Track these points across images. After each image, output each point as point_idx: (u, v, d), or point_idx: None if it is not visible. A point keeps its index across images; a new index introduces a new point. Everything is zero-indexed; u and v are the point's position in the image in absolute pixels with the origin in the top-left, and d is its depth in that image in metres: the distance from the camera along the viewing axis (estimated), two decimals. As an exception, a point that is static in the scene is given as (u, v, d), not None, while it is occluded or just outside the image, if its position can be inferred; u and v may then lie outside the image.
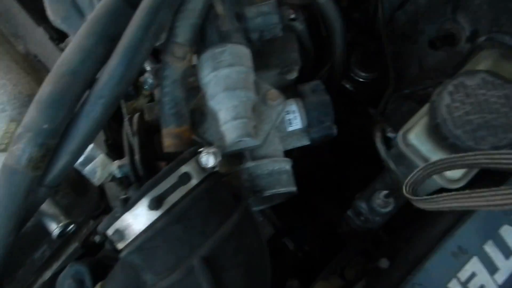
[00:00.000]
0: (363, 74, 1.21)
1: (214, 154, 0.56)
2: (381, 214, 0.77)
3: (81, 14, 0.76)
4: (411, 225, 0.83)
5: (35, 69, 0.89)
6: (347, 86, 1.26)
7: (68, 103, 0.54)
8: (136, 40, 0.54)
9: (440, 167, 0.56)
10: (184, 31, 0.57)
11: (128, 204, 0.52)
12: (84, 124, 0.55)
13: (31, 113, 0.54)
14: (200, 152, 0.56)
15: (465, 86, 0.60)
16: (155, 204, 0.51)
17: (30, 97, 0.83)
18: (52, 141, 0.54)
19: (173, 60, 0.58)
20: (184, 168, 0.55)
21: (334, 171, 1.31)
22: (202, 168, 0.56)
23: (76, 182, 0.81)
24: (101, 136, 0.84)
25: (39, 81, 0.88)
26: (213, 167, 0.56)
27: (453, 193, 0.52)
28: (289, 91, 0.74)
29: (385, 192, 0.76)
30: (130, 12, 0.56)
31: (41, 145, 0.53)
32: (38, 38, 0.85)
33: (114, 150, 0.84)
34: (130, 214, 0.52)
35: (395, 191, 0.75)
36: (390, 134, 0.77)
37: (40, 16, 0.85)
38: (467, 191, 0.51)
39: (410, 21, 0.89)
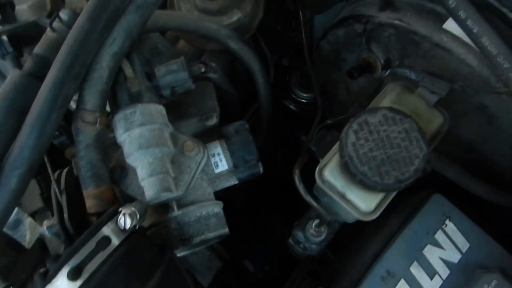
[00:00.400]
0: (303, 94, 1.25)
1: (131, 214, 0.57)
2: (315, 242, 0.80)
3: (2, 75, 0.76)
4: (348, 247, 0.87)
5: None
6: (291, 106, 1.31)
7: None
8: (43, 114, 0.55)
9: None
10: (92, 98, 0.59)
11: (47, 278, 0.53)
12: (2, 196, 0.56)
13: None
14: (120, 212, 0.58)
15: (368, 124, 0.63)
16: (74, 275, 0.52)
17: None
18: (-29, 216, 0.55)
19: (84, 126, 0.59)
20: (103, 232, 0.56)
21: (285, 189, 1.34)
22: (121, 230, 0.57)
23: (13, 240, 0.81)
24: (36, 190, 0.85)
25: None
26: (134, 226, 0.58)
27: None
28: (214, 133, 0.77)
29: (316, 221, 0.79)
30: (37, 84, 0.58)
31: (-40, 221, 0.53)
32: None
33: (51, 203, 0.84)
34: (50, 287, 0.53)
35: (324, 220, 0.78)
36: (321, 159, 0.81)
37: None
38: None
39: (333, 50, 0.92)
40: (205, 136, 0.75)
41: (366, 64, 0.85)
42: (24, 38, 0.70)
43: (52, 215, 0.83)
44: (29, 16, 0.78)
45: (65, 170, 0.75)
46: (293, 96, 1.28)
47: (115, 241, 0.56)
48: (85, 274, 0.53)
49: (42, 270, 0.54)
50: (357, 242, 0.83)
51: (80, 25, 0.58)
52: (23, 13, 0.78)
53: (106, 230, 0.56)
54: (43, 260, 0.86)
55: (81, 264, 0.53)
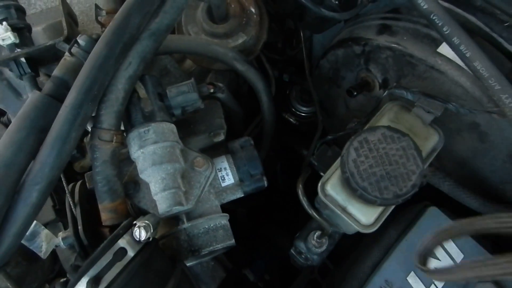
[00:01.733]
0: (303, 108, 1.29)
1: (146, 227, 0.61)
2: (317, 253, 0.84)
3: (17, 94, 0.80)
4: (347, 257, 0.90)
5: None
6: (291, 119, 1.35)
7: (4, 193, 0.59)
8: (63, 133, 0.59)
9: (449, 234, 0.61)
10: (108, 118, 0.63)
11: (67, 287, 0.56)
12: (22, 209, 0.60)
13: (-29, 204, 0.58)
14: (135, 224, 0.61)
15: (368, 142, 0.67)
16: (93, 285, 0.55)
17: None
18: (-7, 229, 0.58)
19: (101, 143, 0.63)
20: (119, 244, 0.59)
21: (287, 201, 1.38)
22: (136, 241, 0.61)
23: (26, 250, 0.84)
24: (49, 202, 0.88)
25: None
26: (148, 238, 0.61)
27: (468, 262, 0.54)
28: (220, 148, 0.80)
29: (318, 233, 0.82)
30: (57, 105, 0.62)
31: (-18, 233, 0.57)
32: (-21, 114, 0.89)
33: (63, 215, 0.88)
34: (70, 297, 0.56)
35: (326, 231, 0.81)
36: (321, 174, 0.84)
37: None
38: (481, 259, 0.54)
39: (333, 68, 0.97)
40: (212, 151, 0.79)
41: (364, 82, 0.89)
42: (40, 59, 0.74)
43: (64, 227, 0.87)
44: (44, 38, 0.82)
45: (78, 183, 0.79)
46: (293, 109, 1.33)
47: (131, 252, 0.59)
48: (103, 284, 0.56)
49: (62, 279, 0.57)
50: (356, 252, 0.86)
51: (98, 50, 0.62)
52: (38, 35, 0.82)
53: (122, 242, 0.60)
54: (54, 270, 0.90)
55: (100, 274, 0.57)
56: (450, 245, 0.77)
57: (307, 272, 1.06)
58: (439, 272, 0.62)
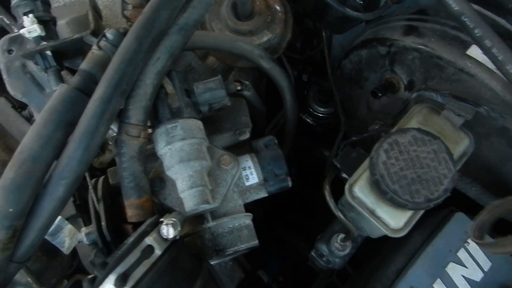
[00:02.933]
0: (321, 109, 1.28)
1: (174, 224, 0.60)
2: (340, 256, 0.82)
3: (40, 87, 0.79)
4: (370, 262, 0.89)
5: (-1, 135, 0.91)
6: (308, 120, 1.34)
7: (31, 187, 0.58)
8: (91, 127, 0.58)
9: (505, 208, 0.60)
10: (136, 113, 0.62)
11: (95, 284, 0.55)
12: (48, 204, 0.59)
13: (-4, 198, 0.57)
14: (161, 222, 0.60)
15: (398, 144, 0.66)
16: (120, 282, 0.54)
17: (-5, 166, 0.85)
18: (19, 222, 0.57)
19: (129, 139, 0.62)
20: (146, 241, 0.58)
21: (302, 202, 1.37)
22: (164, 239, 0.60)
23: (47, 245, 0.83)
24: (68, 198, 0.87)
25: (4, 146, 0.91)
26: (175, 236, 0.60)
27: None
28: (244, 147, 0.79)
29: (342, 236, 0.81)
30: (85, 99, 0.61)
31: (8, 228, 0.56)
32: (0, 107, 0.88)
33: (83, 210, 0.87)
34: (98, 293, 0.55)
35: (352, 235, 0.80)
36: (344, 175, 0.83)
37: (1, 86, 0.88)
38: None
39: (355, 69, 0.96)
40: (236, 149, 0.78)
41: (389, 84, 0.88)
42: (65, 53, 0.73)
43: (84, 222, 0.86)
44: (67, 32, 0.82)
45: (101, 179, 0.78)
46: (310, 110, 1.32)
47: (158, 250, 0.58)
48: (131, 282, 0.55)
49: (90, 276, 0.56)
50: (379, 257, 0.85)
51: (128, 44, 0.61)
52: (62, 29, 0.81)
53: (149, 239, 0.59)
54: (73, 265, 0.89)
55: (127, 271, 0.55)
56: (478, 253, 0.75)
57: (325, 275, 1.05)
58: (492, 245, 0.60)
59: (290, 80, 0.85)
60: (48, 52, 0.71)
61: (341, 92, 1.06)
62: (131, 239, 0.61)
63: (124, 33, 0.65)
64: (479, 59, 0.74)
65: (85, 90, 0.63)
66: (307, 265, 1.11)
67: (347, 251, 0.82)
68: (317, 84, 1.24)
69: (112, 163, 0.89)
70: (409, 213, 0.68)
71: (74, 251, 0.86)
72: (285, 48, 0.91)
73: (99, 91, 0.60)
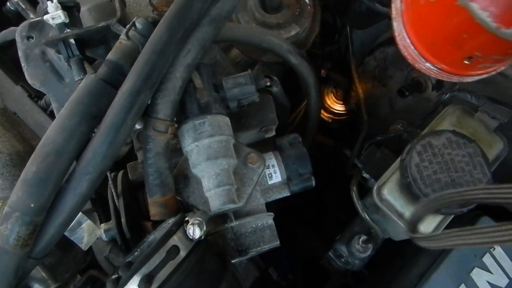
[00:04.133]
0: (337, 106, 1.26)
1: (200, 224, 0.58)
2: (360, 258, 0.81)
3: (60, 77, 0.77)
4: (391, 264, 0.87)
5: (14, 124, 0.89)
6: (324, 116, 1.32)
7: (53, 181, 0.55)
8: (119, 121, 0.56)
9: (440, 203, 0.59)
10: (165, 108, 0.59)
11: (119, 284, 0.53)
12: (70, 199, 0.57)
13: (17, 192, 0.55)
14: (186, 221, 0.58)
15: (432, 146, 0.64)
16: (146, 283, 0.53)
17: (11, 156, 0.83)
18: (39, 218, 0.55)
19: (156, 134, 0.60)
20: (172, 242, 0.56)
21: (316, 200, 1.35)
22: (189, 239, 0.58)
23: (62, 240, 0.81)
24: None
25: (19, 136, 0.88)
26: (201, 236, 0.58)
27: (455, 230, 0.54)
28: (268, 144, 0.77)
29: (364, 238, 0.79)
30: (111, 91, 0.58)
31: (28, 223, 0.54)
32: (16, 96, 0.85)
33: (98, 204, 0.85)
34: (122, 294, 0.53)
35: (376, 237, 0.78)
36: (366, 175, 0.81)
37: (17, 75, 0.85)
38: (469, 227, 0.52)
39: (380, 66, 0.93)
40: (258, 146, 0.76)
41: (416, 83, 0.86)
42: (88, 42, 0.70)
43: (99, 217, 0.84)
44: (89, 19, 0.79)
45: (120, 173, 0.76)
46: (326, 106, 1.29)
47: (183, 251, 0.56)
48: (156, 283, 0.53)
49: (114, 276, 0.54)
50: (400, 261, 0.83)
51: (159, 35, 0.58)
52: (83, 16, 0.78)
53: (175, 239, 0.57)
54: (86, 260, 0.87)
55: (153, 272, 0.54)
56: (504, 258, 0.74)
57: (340, 275, 1.03)
58: (426, 239, 0.59)
59: (317, 77, 0.82)
60: (72, 41, 0.68)
61: (363, 89, 1.04)
62: (151, 237, 0.59)
63: (153, 23, 0.62)
64: (514, 60, 0.72)
65: (112, 81, 0.60)
66: (318, 264, 1.10)
67: (368, 253, 0.81)
68: (335, 80, 1.22)
69: (128, 156, 0.87)
70: (439, 218, 0.66)
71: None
72: (312, 42, 0.88)
73: (128, 84, 0.57)
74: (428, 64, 0.54)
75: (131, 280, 0.53)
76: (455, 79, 0.55)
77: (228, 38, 0.74)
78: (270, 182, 0.75)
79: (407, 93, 0.84)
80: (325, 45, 1.19)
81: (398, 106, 0.97)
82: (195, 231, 0.57)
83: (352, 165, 0.84)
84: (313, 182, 0.76)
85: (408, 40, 0.55)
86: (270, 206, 0.76)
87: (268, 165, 0.74)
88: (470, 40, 0.48)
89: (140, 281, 0.53)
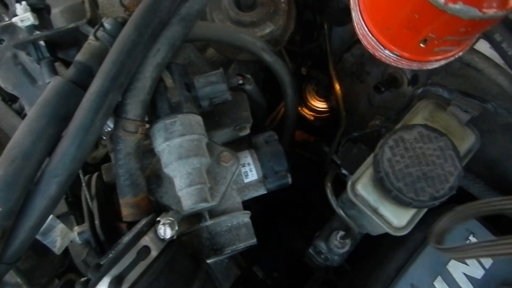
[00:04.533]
0: (319, 103, 1.26)
1: (171, 224, 0.57)
2: (339, 254, 0.81)
3: (32, 79, 0.76)
4: (369, 259, 0.87)
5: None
6: (306, 114, 1.32)
7: (21, 185, 0.55)
8: (87, 122, 0.55)
9: (466, 213, 0.60)
10: (134, 108, 0.59)
11: (88, 287, 0.53)
12: (40, 203, 0.56)
13: (-16, 197, 0.54)
14: (158, 221, 0.58)
15: (404, 140, 0.64)
16: (115, 284, 0.52)
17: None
18: (8, 222, 0.55)
19: (125, 134, 0.60)
20: (143, 242, 0.56)
21: (298, 197, 1.35)
22: (160, 239, 0.57)
23: (37, 244, 0.80)
24: (61, 194, 0.84)
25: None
26: (172, 236, 0.58)
27: (480, 241, 0.54)
28: (244, 142, 0.77)
29: (341, 233, 0.79)
30: (80, 92, 0.58)
31: (-4, 228, 0.53)
32: (-10, 99, 0.85)
33: (75, 207, 0.84)
34: (92, 296, 0.53)
35: (353, 232, 0.78)
36: (344, 172, 0.81)
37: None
38: (493, 238, 0.53)
39: (358, 63, 0.93)
40: (234, 145, 0.76)
41: (392, 78, 0.86)
42: (59, 43, 0.70)
43: (76, 220, 0.83)
44: (62, 21, 0.78)
45: (95, 175, 0.75)
46: (308, 104, 1.29)
47: (155, 251, 0.56)
48: (126, 284, 0.53)
49: (83, 279, 0.54)
50: (379, 255, 0.83)
51: (127, 35, 0.58)
52: (56, 18, 0.78)
53: (146, 240, 0.56)
54: (64, 264, 0.86)
55: (122, 274, 0.53)
56: (480, 250, 0.74)
57: (322, 272, 1.03)
58: (451, 250, 0.60)
59: (292, 74, 0.82)
60: (42, 42, 0.68)
61: (341, 86, 1.04)
62: (126, 239, 0.59)
63: (122, 23, 0.62)
64: (487, 54, 0.73)
65: (80, 83, 0.60)
66: (303, 261, 1.10)
67: (347, 248, 0.81)
68: (316, 78, 1.22)
69: (106, 158, 0.86)
70: (412, 211, 0.67)
71: (66, 250, 0.84)
72: (287, 40, 0.88)
73: (96, 84, 0.57)
74: (387, 52, 0.55)
75: (100, 282, 0.52)
76: (414, 66, 0.55)
77: (200, 37, 0.74)
78: (246, 181, 0.75)
79: (383, 89, 0.84)
80: (305, 43, 1.19)
81: (376, 102, 0.97)
82: (166, 231, 0.57)
83: (330, 162, 0.84)
84: (290, 180, 0.76)
85: (366, 29, 0.55)
86: (252, 204, 0.77)
87: (244, 163, 0.74)
88: (422, 20, 0.48)
89: (110, 283, 0.52)
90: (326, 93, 1.23)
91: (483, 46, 0.73)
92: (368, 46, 0.58)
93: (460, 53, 0.57)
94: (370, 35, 0.55)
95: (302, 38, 1.19)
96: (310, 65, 1.21)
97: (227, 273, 0.95)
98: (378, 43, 0.54)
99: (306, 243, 1.10)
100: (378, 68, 0.90)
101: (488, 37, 0.66)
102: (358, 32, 0.58)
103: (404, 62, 0.54)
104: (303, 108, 1.30)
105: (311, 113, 1.29)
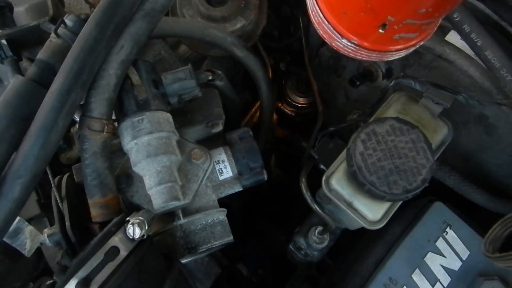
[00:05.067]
0: (299, 99, 1.25)
1: (140, 224, 0.56)
2: (318, 249, 0.80)
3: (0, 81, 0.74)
4: (349, 254, 0.87)
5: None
6: (287, 110, 1.31)
7: None
8: (49, 122, 0.54)
9: None
10: (99, 106, 0.58)
11: (54, 290, 0.51)
12: (4, 205, 0.55)
13: None
14: (127, 221, 0.57)
15: (376, 134, 0.64)
16: (82, 287, 0.51)
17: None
18: (-28, 226, 0.53)
19: (91, 133, 0.58)
20: (112, 242, 0.55)
21: (283, 194, 1.35)
22: (130, 239, 0.56)
23: (8, 247, 0.78)
24: (33, 196, 0.83)
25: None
26: (143, 235, 0.57)
27: None
28: (218, 140, 0.76)
29: (319, 228, 0.79)
30: (42, 91, 0.56)
31: (-41, 233, 0.52)
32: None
33: (49, 209, 0.82)
34: (58, 300, 0.51)
35: (330, 227, 0.78)
36: (322, 167, 0.81)
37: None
38: None
39: (333, 57, 0.93)
40: (209, 142, 0.75)
41: (367, 72, 0.86)
42: (23, 42, 0.68)
43: (50, 222, 0.82)
44: (27, 19, 0.76)
45: (65, 176, 0.74)
46: (289, 100, 1.29)
47: (124, 252, 0.55)
48: (94, 286, 0.52)
49: (49, 282, 0.53)
50: (358, 249, 0.83)
51: (88, 31, 0.56)
52: (21, 16, 0.76)
53: (114, 240, 0.55)
54: (39, 267, 0.85)
55: (90, 275, 0.52)
56: (456, 242, 0.74)
57: (304, 267, 1.03)
58: (503, 258, 0.59)
59: (266, 69, 0.81)
60: (4, 41, 0.66)
61: (319, 81, 1.03)
62: (95, 240, 0.57)
63: (85, 20, 0.60)
64: (458, 45, 0.73)
65: (43, 82, 0.58)
66: (288, 258, 1.09)
67: (325, 243, 0.80)
68: (295, 73, 1.21)
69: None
70: (387, 205, 0.66)
71: (40, 253, 0.82)
72: (260, 35, 0.87)
73: (57, 83, 0.55)
74: (344, 41, 0.53)
75: (67, 285, 0.51)
76: (374, 56, 0.54)
77: (168, 33, 0.73)
78: (221, 178, 0.74)
79: (357, 83, 0.83)
80: (283, 38, 1.18)
81: (353, 96, 0.97)
82: (135, 231, 0.56)
83: (307, 157, 0.84)
84: (265, 176, 0.75)
85: (321, 15, 0.53)
86: (233, 201, 0.75)
87: (218, 160, 0.73)
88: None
89: (77, 285, 0.51)
90: (306, 89, 1.22)
91: (454, 38, 0.73)
92: (324, 35, 0.56)
93: (421, 42, 0.56)
94: (326, 22, 0.53)
95: (280, 33, 1.18)
96: (289, 60, 1.20)
97: (207, 272, 0.94)
98: (334, 31, 0.53)
99: (289, 239, 1.10)
100: (353, 61, 0.90)
101: (457, 28, 0.66)
102: (313, 20, 0.56)
103: (363, 53, 0.53)
104: (284, 104, 1.29)
105: (291, 109, 1.28)
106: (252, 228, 1.31)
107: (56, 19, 0.65)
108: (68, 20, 0.60)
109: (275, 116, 1.21)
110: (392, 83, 0.71)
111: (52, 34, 0.60)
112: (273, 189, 1.34)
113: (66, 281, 0.51)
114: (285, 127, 1.30)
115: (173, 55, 0.77)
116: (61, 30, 0.60)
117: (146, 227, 0.57)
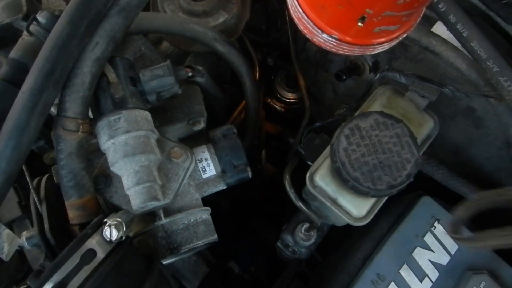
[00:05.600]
0: (288, 94, 1.24)
1: (117, 225, 0.55)
2: (305, 246, 0.79)
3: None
4: (337, 250, 0.86)
5: None
6: (276, 106, 1.29)
7: None
8: (21, 122, 0.52)
9: (480, 203, 0.58)
10: (74, 105, 0.56)
11: (28, 295, 0.50)
12: (-23, 209, 0.53)
13: None
14: (105, 223, 0.55)
15: (360, 129, 0.62)
16: (57, 292, 0.50)
17: None
18: None
19: (66, 133, 0.57)
20: (88, 245, 0.54)
21: (274, 191, 1.33)
22: (107, 241, 0.55)
23: (-10, 252, 0.77)
24: (14, 198, 0.81)
25: None
26: (121, 237, 0.55)
27: (499, 229, 0.54)
28: (201, 138, 0.75)
29: (306, 225, 0.78)
30: (15, 91, 0.55)
31: None
32: None
33: (30, 211, 0.81)
34: (32, 305, 0.50)
35: (316, 224, 0.77)
36: (309, 163, 0.80)
37: None
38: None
39: (321, 51, 0.91)
40: (192, 141, 0.73)
41: (354, 66, 0.84)
42: (-2, 40, 0.66)
43: (31, 224, 0.80)
44: (2, 17, 0.74)
45: (45, 177, 0.72)
46: (278, 95, 1.27)
47: (101, 254, 0.54)
48: (70, 290, 0.50)
49: (23, 287, 0.51)
50: (346, 245, 0.82)
51: (60, 28, 0.55)
52: (-2, 13, 0.74)
53: (91, 242, 0.54)
54: (23, 270, 0.83)
55: (65, 279, 0.51)
56: (444, 236, 0.73)
57: (294, 264, 1.02)
58: (470, 240, 0.60)
59: (250, 64, 0.80)
60: (-23, 40, 0.64)
61: (307, 75, 1.02)
62: (71, 243, 0.56)
63: (59, 16, 0.58)
64: (445, 37, 0.71)
65: (16, 81, 0.57)
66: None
67: (312, 240, 0.79)
68: (283, 68, 1.19)
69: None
70: (371, 201, 0.65)
71: (23, 255, 0.81)
72: (243, 29, 0.85)
73: (29, 82, 0.53)
74: (325, 36, 0.52)
75: (40, 291, 0.50)
76: (356, 50, 0.53)
77: (147, 28, 0.71)
78: (204, 176, 0.72)
79: (344, 77, 0.82)
80: (271, 32, 1.17)
81: (341, 91, 0.95)
82: (112, 233, 0.54)
83: (293, 153, 0.82)
84: (250, 174, 0.74)
85: (300, 10, 0.52)
86: (222, 200, 0.73)
87: (201, 158, 0.72)
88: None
89: (51, 289, 0.50)
90: (294, 84, 1.21)
91: (441, 29, 0.71)
92: (305, 31, 0.55)
93: (404, 35, 0.54)
94: (306, 17, 0.52)
95: (267, 28, 1.16)
96: (277, 55, 1.18)
97: (195, 271, 0.93)
98: (314, 26, 0.52)
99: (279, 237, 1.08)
100: (340, 56, 0.88)
101: (442, 18, 0.65)
102: (293, 15, 0.55)
103: (345, 47, 0.52)
104: (273, 100, 1.27)
105: (281, 104, 1.26)
106: (244, 226, 1.30)
107: (29, 17, 0.64)
108: (41, 17, 0.58)
109: (263, 112, 1.20)
110: (377, 76, 0.70)
111: (25, 32, 0.59)
112: (265, 186, 1.33)
113: (40, 286, 0.50)
114: (276, 123, 1.28)
115: (154, 51, 0.75)
116: (33, 28, 0.58)
117: (124, 229, 0.55)
